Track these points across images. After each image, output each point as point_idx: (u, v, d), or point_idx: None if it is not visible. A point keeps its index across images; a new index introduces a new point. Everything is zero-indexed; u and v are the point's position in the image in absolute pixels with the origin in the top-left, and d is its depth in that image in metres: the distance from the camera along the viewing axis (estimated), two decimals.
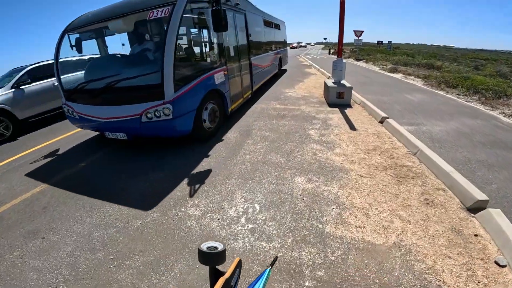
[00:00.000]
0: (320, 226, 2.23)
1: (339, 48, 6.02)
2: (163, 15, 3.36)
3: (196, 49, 5.29)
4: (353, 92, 6.12)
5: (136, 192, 2.95)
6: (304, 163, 3.33)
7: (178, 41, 3.62)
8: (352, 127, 4.50)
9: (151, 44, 3.98)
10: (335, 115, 5.22)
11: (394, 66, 13.40)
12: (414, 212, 2.32)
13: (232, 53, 5.10)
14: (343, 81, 6.17)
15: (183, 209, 2.56)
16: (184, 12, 3.41)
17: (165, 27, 3.33)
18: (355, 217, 2.31)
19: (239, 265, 0.69)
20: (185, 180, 3.09)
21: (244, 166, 3.33)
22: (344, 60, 5.96)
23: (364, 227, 2.19)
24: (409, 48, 41.87)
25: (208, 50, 4.63)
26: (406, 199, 2.50)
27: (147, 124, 3.43)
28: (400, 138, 3.90)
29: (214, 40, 4.44)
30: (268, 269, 0.76)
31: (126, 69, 3.77)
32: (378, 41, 31.83)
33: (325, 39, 39.14)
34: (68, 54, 4.47)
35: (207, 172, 3.25)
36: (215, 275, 0.66)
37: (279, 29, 10.82)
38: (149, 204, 2.68)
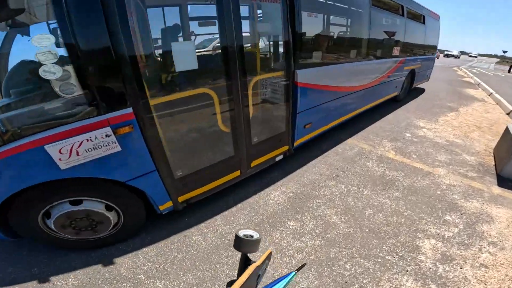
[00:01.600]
0: None
1: None
2: None
3: None
4: None
5: None
6: None
7: None
8: None
9: None
10: (504, 212, 2.37)
11: None
12: None
13: (185, 63, 1.86)
14: None
15: None
16: None
17: None
18: None
19: (269, 257, 0.71)
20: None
21: None
22: None
23: None
24: None
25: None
26: None
27: None
28: None
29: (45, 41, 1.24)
30: (294, 272, 0.77)
31: None
32: None
33: (504, 52, 27.82)
34: None
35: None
36: (245, 262, 0.68)
37: (423, 22, 6.33)
38: None
